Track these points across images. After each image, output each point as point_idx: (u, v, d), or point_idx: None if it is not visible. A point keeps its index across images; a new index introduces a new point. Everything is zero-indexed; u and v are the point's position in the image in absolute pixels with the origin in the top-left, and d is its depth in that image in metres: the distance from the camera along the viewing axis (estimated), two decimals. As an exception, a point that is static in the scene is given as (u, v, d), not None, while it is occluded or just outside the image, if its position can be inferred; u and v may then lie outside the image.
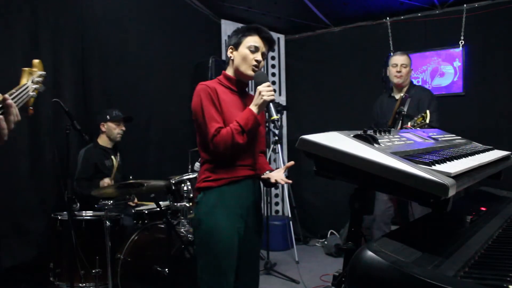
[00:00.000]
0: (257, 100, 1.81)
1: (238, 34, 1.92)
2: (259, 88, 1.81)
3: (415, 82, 3.78)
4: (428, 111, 2.79)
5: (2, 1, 2.91)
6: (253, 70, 1.89)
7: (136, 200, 3.45)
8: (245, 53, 1.88)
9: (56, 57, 3.24)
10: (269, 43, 1.95)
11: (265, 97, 1.79)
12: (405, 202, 3.41)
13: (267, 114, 1.87)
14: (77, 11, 3.41)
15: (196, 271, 1.89)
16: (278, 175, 1.86)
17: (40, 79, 1.44)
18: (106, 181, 3.10)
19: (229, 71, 1.97)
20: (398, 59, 3.35)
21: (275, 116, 1.80)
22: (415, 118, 2.91)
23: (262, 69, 2.00)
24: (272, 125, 1.84)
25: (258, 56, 1.89)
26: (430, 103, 3.20)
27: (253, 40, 1.89)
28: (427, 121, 2.77)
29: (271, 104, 1.81)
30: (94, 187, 3.04)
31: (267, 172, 1.96)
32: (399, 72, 3.31)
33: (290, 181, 1.86)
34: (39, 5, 3.12)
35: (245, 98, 1.99)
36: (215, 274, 1.82)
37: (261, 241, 2.07)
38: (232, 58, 1.94)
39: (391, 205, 3.38)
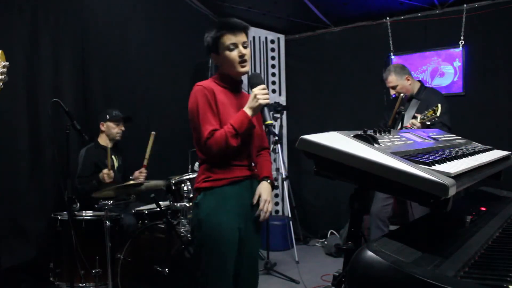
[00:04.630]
0: (252, 103, 1.78)
1: (211, 39, 1.87)
2: (255, 90, 1.79)
3: (423, 81, 3.66)
4: (439, 105, 2.79)
5: (2, 1, 2.91)
6: (242, 66, 1.86)
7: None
8: (227, 55, 1.84)
9: (56, 57, 3.24)
10: (243, 29, 1.87)
11: (260, 101, 1.77)
12: (405, 202, 3.41)
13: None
14: (77, 11, 3.41)
15: (196, 271, 1.88)
16: (264, 199, 1.87)
17: (3, 69, 1.39)
18: (105, 171, 3.05)
19: (222, 71, 1.95)
20: (386, 83, 3.37)
21: (269, 121, 1.78)
22: (426, 112, 2.91)
23: (259, 70, 2.00)
24: (266, 129, 1.82)
25: (240, 51, 1.84)
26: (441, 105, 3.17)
27: (227, 39, 1.83)
28: (438, 114, 2.78)
29: (265, 108, 1.80)
30: (94, 181, 3.04)
31: (262, 182, 1.94)
32: (397, 92, 3.31)
33: (265, 217, 1.88)
34: (39, 5, 3.12)
35: (241, 97, 1.98)
36: (218, 274, 1.81)
37: (260, 241, 2.06)
38: (218, 64, 1.93)
39: (389, 203, 3.36)
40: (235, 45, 1.84)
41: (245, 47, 1.86)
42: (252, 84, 1.84)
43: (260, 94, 1.77)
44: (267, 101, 1.79)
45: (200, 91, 1.82)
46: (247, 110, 1.79)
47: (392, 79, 3.31)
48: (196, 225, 1.85)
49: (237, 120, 1.77)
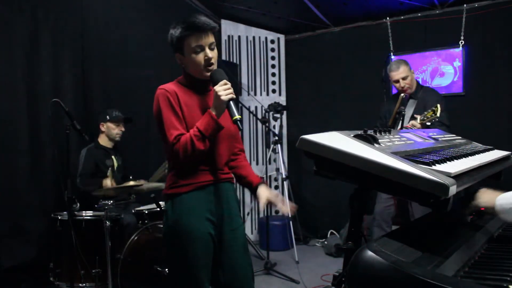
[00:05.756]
0: (215, 102, 1.67)
1: (175, 38, 1.75)
2: (215, 88, 1.67)
3: (420, 80, 3.69)
4: (439, 105, 2.79)
5: (2, 1, 2.91)
6: (208, 70, 1.74)
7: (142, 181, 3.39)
8: (192, 58, 1.72)
9: (56, 57, 3.24)
10: (210, 29, 1.73)
11: (223, 97, 1.65)
12: (405, 202, 3.41)
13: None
14: (77, 11, 3.41)
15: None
16: (275, 200, 1.83)
17: None
18: (108, 183, 3.09)
19: (187, 72, 1.82)
20: (395, 75, 3.31)
21: (237, 116, 1.65)
22: (425, 112, 2.91)
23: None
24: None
25: (206, 54, 1.72)
26: (439, 104, 3.17)
27: (193, 41, 1.70)
28: (438, 114, 2.78)
29: (231, 103, 1.67)
30: (96, 184, 3.04)
31: (260, 187, 1.88)
32: (403, 86, 3.29)
33: (291, 210, 1.83)
34: (39, 5, 3.12)
35: (208, 97, 1.83)
36: (187, 281, 1.73)
37: (244, 247, 1.90)
38: (182, 65, 1.80)
39: (391, 203, 3.37)
40: (201, 48, 1.71)
41: (211, 49, 1.74)
42: (213, 82, 1.72)
43: (221, 91, 1.66)
44: (229, 96, 1.66)
45: (162, 95, 1.71)
46: (213, 110, 1.67)
47: (404, 69, 3.29)
48: (165, 232, 1.79)
49: (203, 122, 1.66)
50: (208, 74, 1.74)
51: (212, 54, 1.74)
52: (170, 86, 1.76)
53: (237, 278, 1.84)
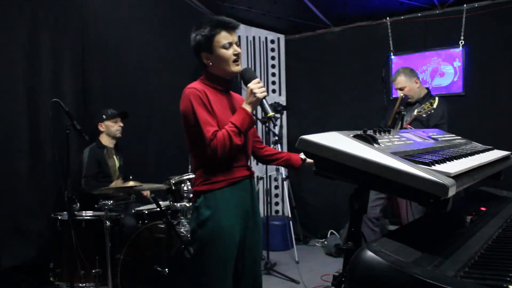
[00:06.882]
0: (250, 99, 1.77)
1: (204, 37, 1.82)
2: (250, 86, 1.77)
3: (430, 89, 3.60)
4: (436, 98, 2.81)
5: (2, 1, 2.91)
6: (236, 65, 1.84)
7: (146, 193, 3.44)
8: (222, 53, 1.81)
9: (56, 57, 3.24)
10: (236, 26, 1.86)
11: (258, 95, 1.75)
12: (397, 204, 3.41)
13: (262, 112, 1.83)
14: (77, 11, 3.41)
15: (196, 273, 1.86)
16: None
17: None
18: (118, 183, 3.15)
19: (212, 72, 1.89)
20: (394, 85, 3.39)
21: (271, 113, 1.76)
22: (423, 105, 2.93)
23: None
24: (271, 124, 1.79)
25: (235, 49, 1.83)
26: (443, 115, 3.14)
27: (222, 37, 1.80)
28: (434, 106, 2.80)
29: (264, 101, 1.77)
30: (102, 185, 3.05)
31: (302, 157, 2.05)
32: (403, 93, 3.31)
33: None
34: (39, 5, 3.12)
35: (230, 96, 1.94)
36: (219, 276, 1.80)
37: (262, 242, 2.05)
38: (209, 62, 1.85)
39: (378, 204, 3.34)
40: (230, 44, 1.82)
41: (237, 45, 1.86)
42: (245, 80, 1.81)
43: (256, 89, 1.76)
44: (264, 94, 1.77)
45: (193, 94, 1.77)
46: (246, 106, 1.77)
47: (401, 80, 3.32)
48: (196, 227, 1.83)
49: (239, 117, 1.75)
50: (237, 69, 1.84)
51: (239, 50, 1.86)
52: (198, 86, 1.83)
53: (253, 267, 1.96)
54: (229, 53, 1.81)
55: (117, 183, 3.20)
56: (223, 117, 1.79)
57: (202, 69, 1.92)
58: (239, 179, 1.86)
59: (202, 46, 1.84)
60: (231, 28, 1.83)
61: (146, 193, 3.43)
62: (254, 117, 1.79)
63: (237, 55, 1.83)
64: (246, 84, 1.81)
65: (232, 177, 1.83)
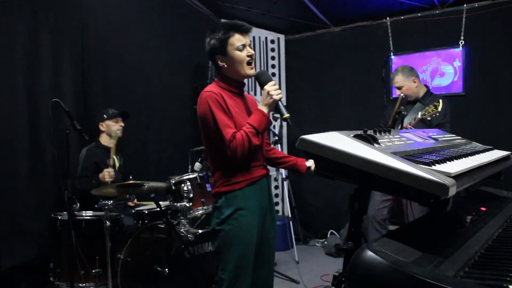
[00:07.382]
0: (266, 100, 1.82)
1: (218, 40, 1.88)
2: (267, 88, 1.83)
3: (429, 87, 3.58)
4: (440, 100, 2.80)
5: (2, 1, 2.91)
6: (251, 68, 1.90)
7: (135, 201, 3.45)
8: (236, 55, 1.87)
9: (56, 57, 3.24)
10: (249, 29, 1.93)
11: (274, 96, 1.81)
12: (402, 204, 3.40)
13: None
14: (77, 11, 3.41)
15: (216, 271, 1.92)
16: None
17: None
18: (106, 170, 3.03)
19: (226, 74, 1.95)
20: (393, 83, 3.39)
21: (286, 114, 1.83)
22: (427, 108, 2.92)
23: (262, 68, 2.01)
24: (285, 123, 1.85)
25: (249, 51, 1.88)
26: (445, 114, 3.11)
27: (236, 40, 1.87)
28: (439, 109, 2.79)
29: (280, 103, 1.84)
30: (95, 180, 3.04)
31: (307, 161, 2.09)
32: (401, 93, 3.31)
33: None
34: (39, 5, 3.12)
35: (245, 98, 2.01)
36: (239, 275, 1.85)
37: (276, 237, 2.10)
38: (224, 65, 1.90)
39: (385, 206, 3.34)
40: (244, 46, 1.87)
41: (251, 48, 1.91)
42: (262, 82, 1.87)
43: (272, 91, 1.82)
44: (280, 96, 1.83)
45: (210, 97, 1.82)
46: (263, 108, 1.83)
47: (399, 79, 3.31)
48: (217, 226, 1.88)
49: (256, 119, 1.81)
50: (250, 72, 1.90)
51: (253, 52, 1.91)
52: (215, 89, 1.88)
53: (269, 261, 2.04)
54: (243, 54, 1.87)
55: (105, 173, 3.04)
56: (239, 119, 1.85)
57: (217, 73, 1.99)
58: (258, 179, 1.92)
59: (216, 50, 1.90)
60: (244, 31, 1.89)
61: (134, 202, 3.42)
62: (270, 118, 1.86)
63: (251, 56, 1.88)
64: (262, 86, 1.86)
65: (251, 177, 1.89)
